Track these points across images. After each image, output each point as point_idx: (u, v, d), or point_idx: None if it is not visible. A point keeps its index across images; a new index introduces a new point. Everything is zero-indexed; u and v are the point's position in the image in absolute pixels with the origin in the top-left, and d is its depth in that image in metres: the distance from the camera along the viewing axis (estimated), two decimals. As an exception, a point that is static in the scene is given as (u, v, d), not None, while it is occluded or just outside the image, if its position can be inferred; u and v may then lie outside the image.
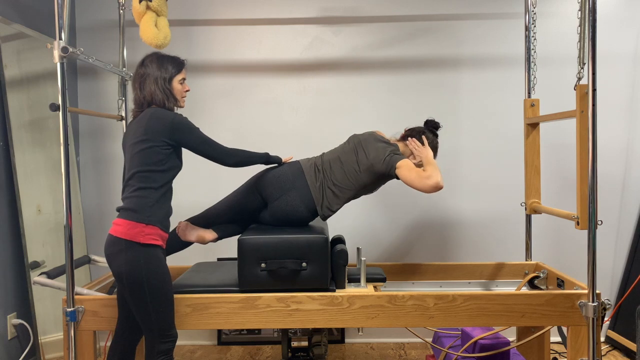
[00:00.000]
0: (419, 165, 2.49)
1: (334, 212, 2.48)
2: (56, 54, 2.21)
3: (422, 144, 2.54)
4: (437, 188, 2.23)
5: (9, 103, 2.85)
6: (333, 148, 2.60)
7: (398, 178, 2.36)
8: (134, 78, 2.20)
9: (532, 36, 2.91)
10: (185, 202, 3.49)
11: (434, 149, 2.59)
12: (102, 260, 2.75)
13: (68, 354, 2.22)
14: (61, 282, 2.30)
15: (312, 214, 2.46)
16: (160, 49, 2.62)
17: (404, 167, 2.32)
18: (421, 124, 2.67)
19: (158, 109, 2.15)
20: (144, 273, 2.03)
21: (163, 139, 2.09)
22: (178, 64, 2.22)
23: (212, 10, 3.54)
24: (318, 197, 2.43)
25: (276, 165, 2.52)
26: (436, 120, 2.65)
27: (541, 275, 2.75)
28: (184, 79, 2.23)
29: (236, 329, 3.54)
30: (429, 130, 2.62)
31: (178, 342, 3.43)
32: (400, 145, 2.59)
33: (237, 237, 2.40)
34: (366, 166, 2.43)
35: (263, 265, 2.25)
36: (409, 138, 2.58)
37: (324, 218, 2.48)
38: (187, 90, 2.25)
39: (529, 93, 2.93)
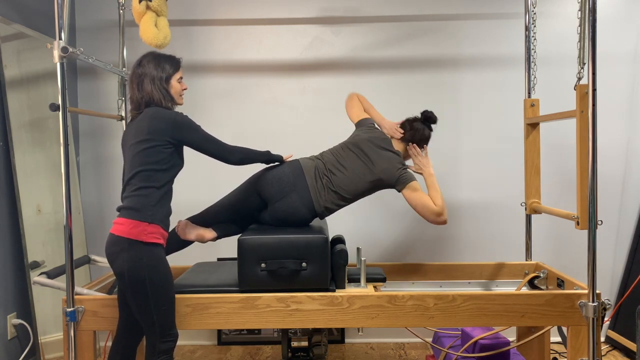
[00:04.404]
0: (417, 172, 2.59)
1: (332, 212, 2.51)
2: (56, 54, 2.21)
3: (422, 151, 2.62)
4: (443, 224, 2.44)
5: (9, 103, 2.85)
6: (333, 147, 2.59)
7: (399, 191, 2.48)
8: (131, 78, 2.20)
9: (532, 36, 2.91)
10: (184, 201, 3.49)
11: (426, 139, 2.64)
12: (102, 260, 2.75)
13: (68, 354, 2.22)
14: (61, 282, 2.30)
15: (312, 214, 2.46)
16: (160, 49, 2.62)
17: (414, 189, 2.43)
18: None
19: (158, 108, 2.15)
20: (146, 272, 2.03)
21: (165, 138, 2.09)
22: (175, 63, 2.23)
23: (212, 10, 3.54)
24: (318, 199, 2.44)
25: (275, 164, 2.52)
26: (434, 114, 2.66)
27: (541, 275, 2.75)
28: (181, 77, 2.24)
29: (236, 329, 3.54)
30: (424, 123, 2.65)
31: (178, 342, 3.42)
32: (400, 146, 2.62)
33: (237, 236, 2.40)
34: (373, 178, 2.47)
35: (263, 265, 2.25)
36: (410, 143, 2.61)
37: (322, 217, 2.50)
38: (184, 89, 2.26)
39: (529, 93, 2.93)
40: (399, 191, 2.47)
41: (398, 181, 2.45)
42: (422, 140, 2.62)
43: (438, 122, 3.46)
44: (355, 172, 2.47)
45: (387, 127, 2.66)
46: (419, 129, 2.62)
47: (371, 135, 2.55)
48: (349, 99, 2.81)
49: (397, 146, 2.60)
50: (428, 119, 2.65)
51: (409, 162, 2.64)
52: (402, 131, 2.62)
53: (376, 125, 2.67)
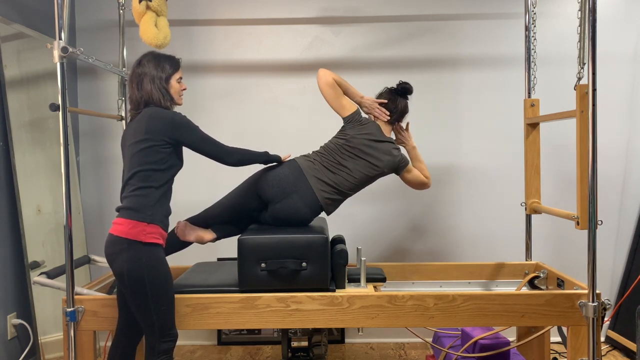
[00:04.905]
0: (400, 145, 2.74)
1: (337, 207, 2.55)
2: (56, 54, 2.21)
3: (405, 127, 2.75)
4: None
5: (9, 103, 2.85)
6: (326, 145, 2.57)
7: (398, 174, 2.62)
8: (131, 77, 2.20)
9: (532, 36, 2.91)
10: (184, 201, 3.49)
11: (403, 113, 2.70)
12: (102, 260, 2.75)
13: (68, 354, 2.22)
14: (61, 282, 2.30)
15: (314, 214, 2.46)
16: (160, 49, 2.62)
17: (410, 170, 2.63)
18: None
19: (157, 108, 2.15)
20: (146, 272, 2.03)
21: (163, 138, 2.09)
22: (175, 63, 2.24)
23: (212, 10, 3.54)
24: (322, 198, 2.44)
25: (274, 165, 2.52)
26: (410, 85, 2.70)
27: (541, 275, 2.75)
28: (181, 77, 2.24)
29: (236, 329, 3.54)
30: (399, 94, 2.68)
31: (178, 342, 3.42)
32: (387, 128, 2.66)
33: (237, 237, 2.40)
34: (377, 172, 2.53)
35: (263, 265, 2.25)
36: (397, 123, 2.71)
37: (329, 213, 2.53)
38: (184, 89, 2.26)
39: (529, 93, 2.93)
40: (398, 174, 2.62)
41: (399, 167, 2.58)
42: (403, 117, 2.72)
43: (438, 122, 3.50)
44: (359, 171, 2.50)
45: (368, 106, 2.66)
46: (402, 107, 2.68)
47: (364, 132, 2.55)
48: (324, 84, 2.58)
49: (385, 128, 2.64)
50: (406, 90, 2.69)
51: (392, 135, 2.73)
52: (389, 114, 2.64)
53: (363, 115, 2.65)
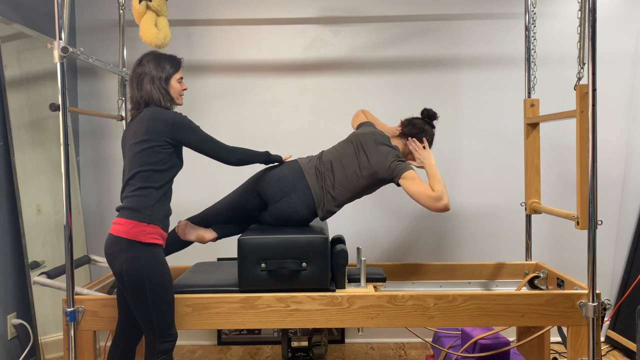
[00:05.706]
0: (419, 167, 2.53)
1: (333, 213, 2.49)
2: (56, 54, 2.21)
3: (422, 144, 2.55)
4: (445, 210, 2.27)
5: (9, 103, 2.85)
6: (332, 146, 2.60)
7: (399, 185, 2.37)
8: (132, 77, 2.20)
9: (532, 36, 2.91)
10: (185, 201, 3.49)
11: (430, 138, 2.61)
12: (102, 260, 2.75)
13: (68, 354, 2.22)
14: (61, 282, 2.30)
15: (312, 214, 2.46)
16: (160, 49, 2.62)
17: (410, 178, 2.32)
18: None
19: (157, 108, 2.15)
20: (145, 272, 2.03)
21: (164, 139, 2.09)
22: (175, 63, 2.23)
23: (212, 10, 3.54)
24: (319, 199, 2.43)
25: (275, 164, 2.52)
26: (433, 110, 2.65)
27: (541, 275, 2.75)
28: (181, 77, 2.24)
29: (236, 329, 3.54)
30: (426, 122, 2.63)
31: (178, 342, 3.42)
32: (400, 143, 2.60)
33: (237, 237, 2.40)
34: (369, 172, 2.43)
35: (263, 265, 2.25)
36: (409, 138, 2.58)
37: (323, 219, 2.49)
38: (184, 89, 2.26)
39: (529, 93, 2.93)
40: (397, 183, 2.38)
41: (393, 172, 2.36)
42: (420, 133, 2.57)
43: (438, 122, 3.48)
44: (353, 169, 2.45)
45: (387, 131, 2.66)
46: (417, 123, 2.60)
47: (370, 131, 2.55)
48: (354, 115, 2.91)
49: (396, 143, 2.60)
50: (428, 116, 2.64)
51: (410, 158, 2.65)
52: (400, 127, 2.61)
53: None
